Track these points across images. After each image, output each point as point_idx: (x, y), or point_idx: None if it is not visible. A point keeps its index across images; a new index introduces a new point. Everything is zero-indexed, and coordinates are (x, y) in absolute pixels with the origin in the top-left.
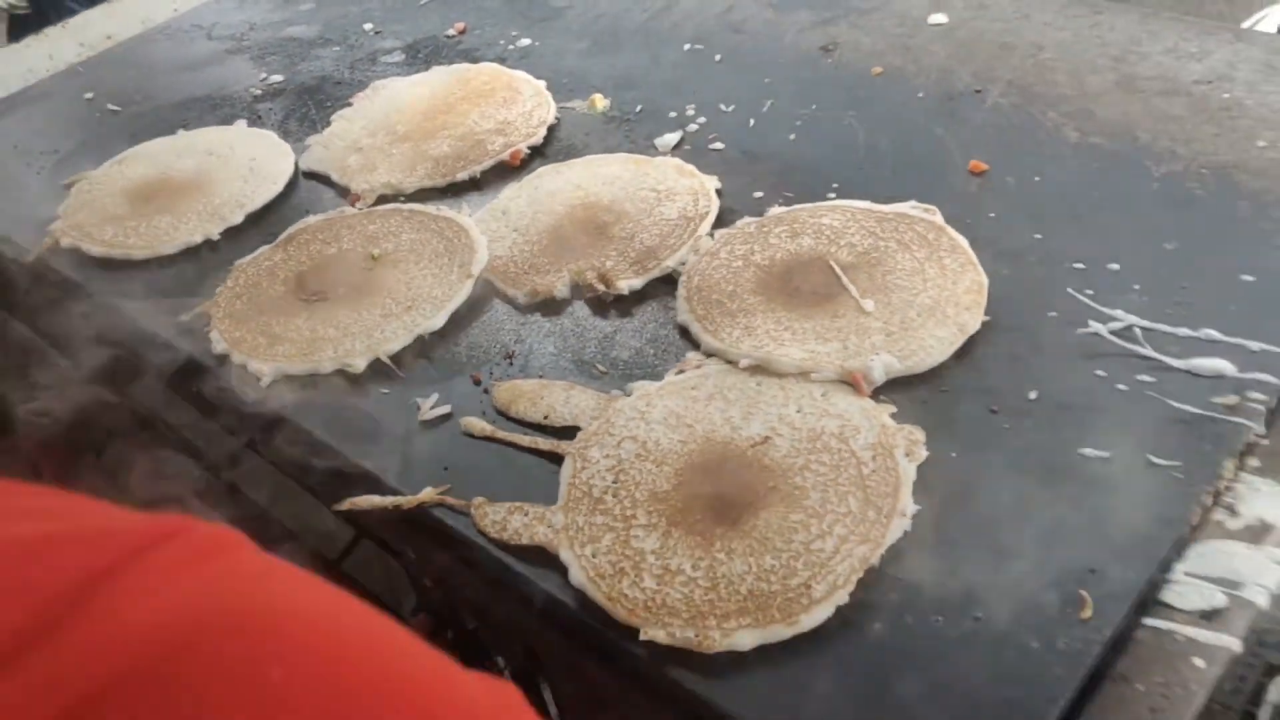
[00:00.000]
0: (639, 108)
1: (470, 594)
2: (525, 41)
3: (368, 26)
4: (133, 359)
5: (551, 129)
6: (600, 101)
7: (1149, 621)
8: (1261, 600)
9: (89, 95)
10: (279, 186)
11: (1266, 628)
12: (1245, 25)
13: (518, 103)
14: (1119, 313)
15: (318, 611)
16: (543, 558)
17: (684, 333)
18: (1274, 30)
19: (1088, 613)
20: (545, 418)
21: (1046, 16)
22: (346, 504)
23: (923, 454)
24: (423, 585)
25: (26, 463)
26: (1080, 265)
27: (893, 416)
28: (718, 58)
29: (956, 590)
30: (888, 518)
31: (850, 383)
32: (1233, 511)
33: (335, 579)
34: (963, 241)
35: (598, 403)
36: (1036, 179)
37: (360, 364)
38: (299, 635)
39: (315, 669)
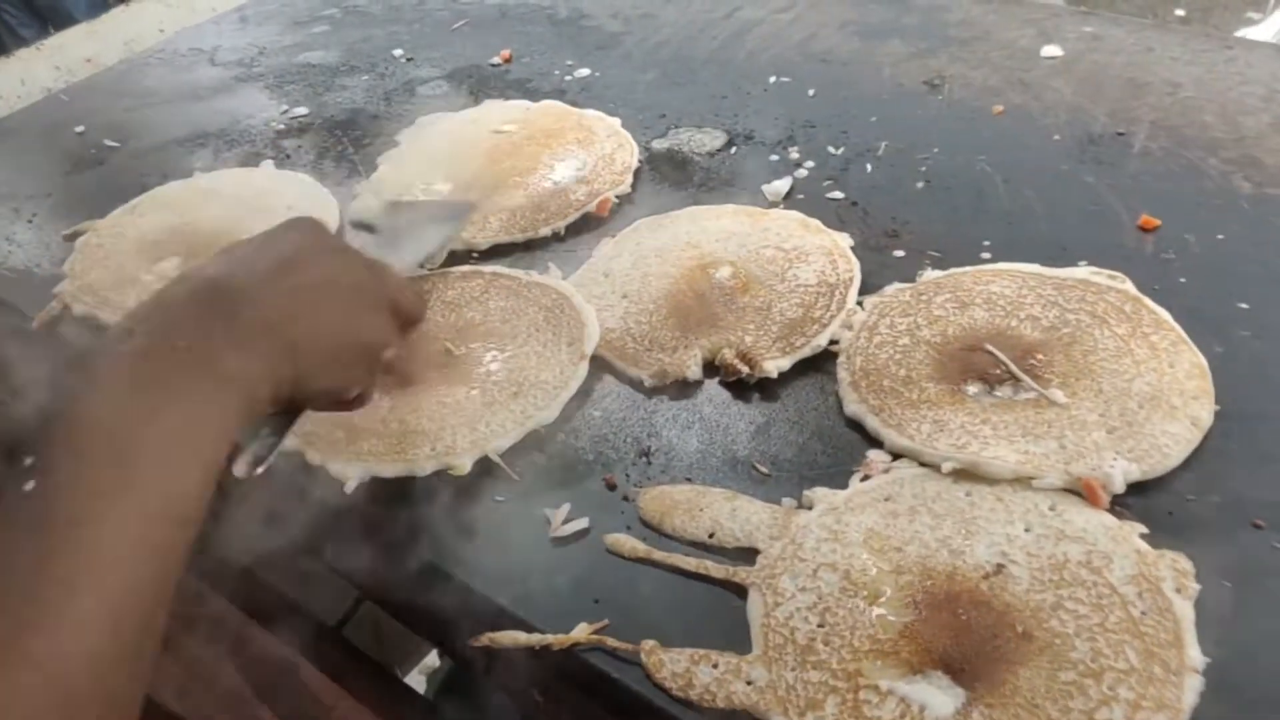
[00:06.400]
0: (733, 149)
1: None
2: (584, 72)
3: (397, 53)
4: None
5: (635, 173)
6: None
7: None
8: None
9: (80, 129)
10: None
11: None
12: (1239, 34)
13: (594, 143)
14: None
15: None
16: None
17: (854, 425)
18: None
19: None
20: (711, 536)
21: (1173, 51)
22: (485, 639)
23: (1195, 588)
24: None
25: None
26: None
27: (1142, 537)
28: (811, 92)
29: None
30: (1178, 675)
31: (1081, 492)
32: None
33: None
34: (1166, 315)
35: (773, 516)
36: (1220, 237)
37: (466, 463)
38: None
39: None
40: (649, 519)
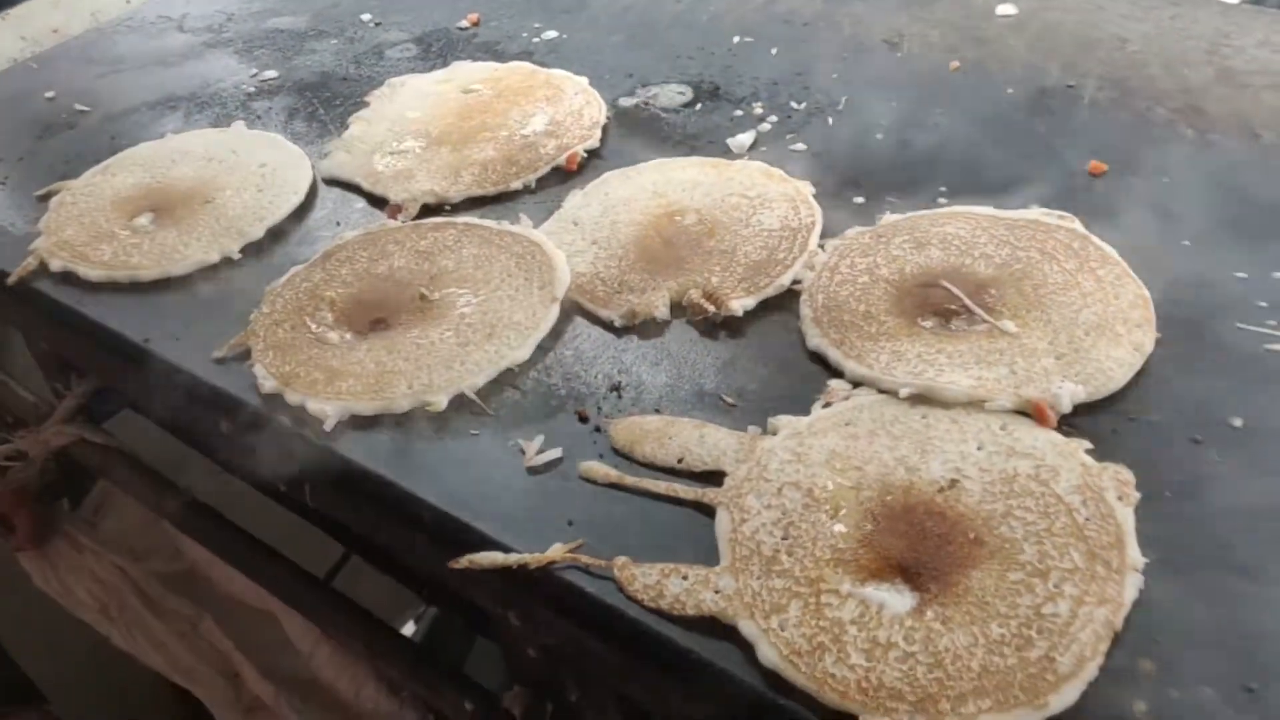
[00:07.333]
0: (699, 106)
1: (599, 667)
2: (551, 34)
3: (365, 17)
4: (147, 399)
5: (603, 129)
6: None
7: None
8: None
9: (50, 94)
10: (300, 196)
11: None
12: None
13: (563, 100)
14: None
15: None
16: (709, 628)
17: (816, 358)
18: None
19: None
20: (680, 461)
21: (1122, 8)
22: (464, 561)
23: (1136, 496)
24: (523, 655)
25: None
26: (1242, 274)
27: (1088, 452)
28: (774, 51)
29: (1217, 656)
30: (1119, 573)
31: (1031, 413)
32: None
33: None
34: (1111, 251)
35: (739, 442)
36: (1165, 180)
37: (442, 401)
38: None
39: None
40: (620, 447)
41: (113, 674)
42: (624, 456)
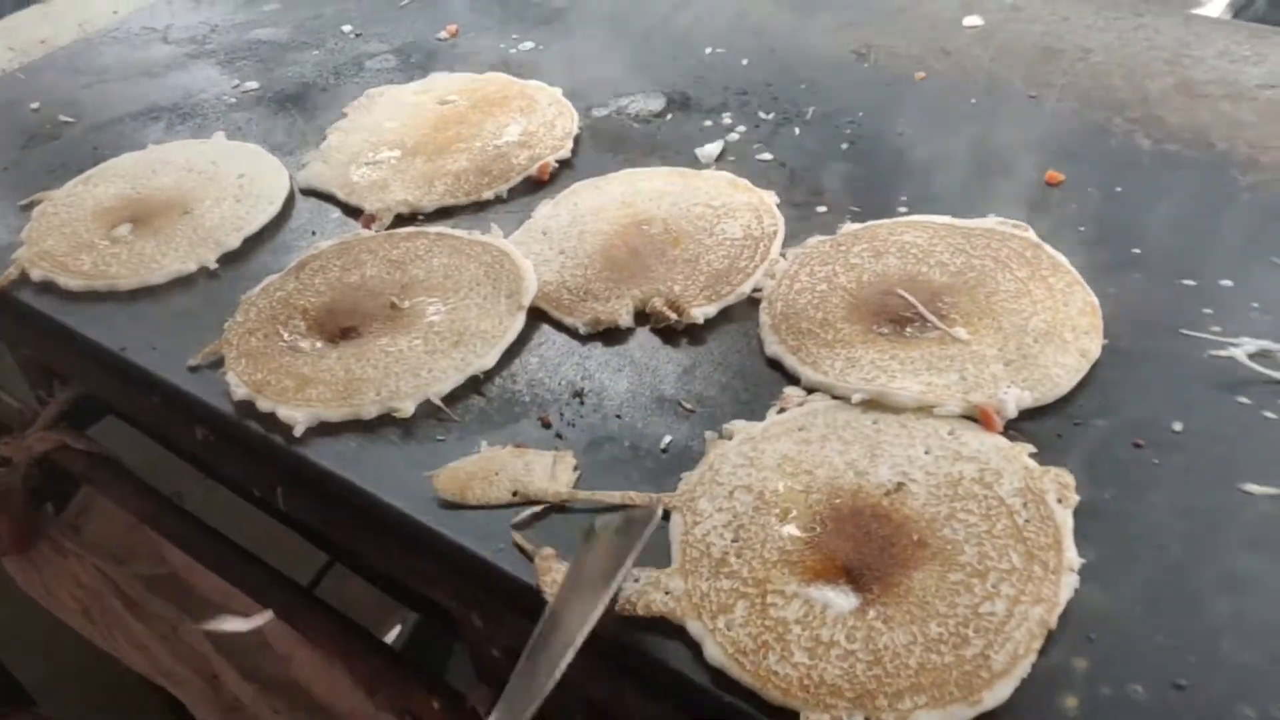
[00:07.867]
0: (669, 116)
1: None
2: (527, 45)
3: (346, 29)
4: (125, 405)
5: (575, 139)
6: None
7: None
8: None
9: (35, 105)
10: (276, 206)
11: None
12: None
13: (536, 111)
14: (1244, 338)
15: None
16: (659, 628)
17: (774, 365)
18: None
19: None
20: (514, 494)
21: (1086, 19)
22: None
23: (1075, 499)
24: (489, 656)
25: None
26: (1190, 282)
27: (1031, 456)
28: (744, 62)
29: (1149, 654)
30: (1056, 573)
31: (978, 418)
32: None
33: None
34: (1063, 259)
35: (555, 460)
36: (1119, 189)
37: (409, 407)
38: None
39: None
40: (451, 499)
41: (100, 675)
42: (456, 506)
